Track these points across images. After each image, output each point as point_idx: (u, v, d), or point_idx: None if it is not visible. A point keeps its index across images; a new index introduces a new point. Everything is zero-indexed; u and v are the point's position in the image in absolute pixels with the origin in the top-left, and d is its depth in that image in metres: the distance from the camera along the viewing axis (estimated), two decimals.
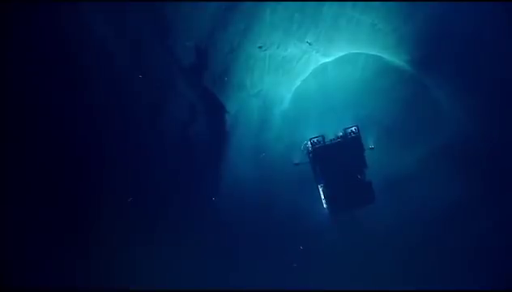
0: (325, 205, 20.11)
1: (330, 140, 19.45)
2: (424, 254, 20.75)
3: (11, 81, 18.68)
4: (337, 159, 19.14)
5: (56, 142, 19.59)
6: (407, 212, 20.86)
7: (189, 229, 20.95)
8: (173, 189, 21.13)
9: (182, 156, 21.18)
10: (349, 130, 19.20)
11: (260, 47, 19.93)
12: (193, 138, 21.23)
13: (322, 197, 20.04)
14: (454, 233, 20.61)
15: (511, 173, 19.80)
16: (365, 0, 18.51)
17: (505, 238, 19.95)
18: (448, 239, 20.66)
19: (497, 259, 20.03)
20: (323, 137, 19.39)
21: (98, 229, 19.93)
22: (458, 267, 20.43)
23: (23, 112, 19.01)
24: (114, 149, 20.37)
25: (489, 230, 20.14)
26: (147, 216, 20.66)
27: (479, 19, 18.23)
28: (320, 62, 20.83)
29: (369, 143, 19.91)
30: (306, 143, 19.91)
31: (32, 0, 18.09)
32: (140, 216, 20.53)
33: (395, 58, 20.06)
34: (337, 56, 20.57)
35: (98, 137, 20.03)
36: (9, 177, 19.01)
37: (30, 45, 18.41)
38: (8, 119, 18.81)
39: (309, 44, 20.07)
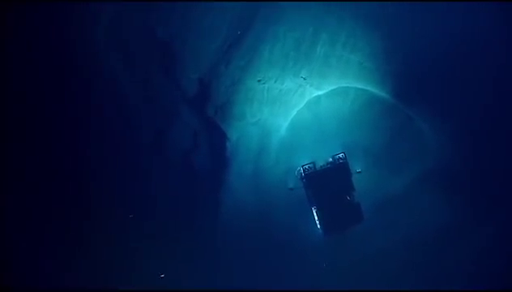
0: (318, 226, 21.12)
1: (321, 166, 20.91)
2: (413, 274, 21.34)
3: (32, 104, 20.68)
4: (327, 183, 20.51)
5: (64, 156, 21.09)
6: (396, 233, 21.62)
7: (190, 250, 21.67)
8: (175, 212, 21.95)
9: (185, 180, 22.25)
10: (337, 157, 20.78)
11: (259, 81, 21.61)
12: (195, 163, 22.37)
13: (316, 218, 21.09)
14: (442, 254, 21.33)
15: (494, 196, 20.89)
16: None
17: (493, 260, 20.70)
18: (437, 260, 21.38)
19: (485, 279, 20.53)
20: (314, 164, 20.90)
21: (100, 242, 20.83)
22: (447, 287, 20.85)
23: (39, 130, 20.88)
24: (120, 171, 21.62)
25: (477, 251, 20.91)
26: (148, 236, 21.37)
27: (457, 53, 20.00)
28: (313, 95, 22.32)
29: (357, 168, 21.17)
30: (299, 170, 21.27)
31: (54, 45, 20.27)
32: (142, 237, 21.30)
33: (381, 92, 21.64)
34: (329, 89, 22.14)
35: (106, 157, 21.46)
36: (11, 178, 20.36)
37: (53, 81, 20.57)
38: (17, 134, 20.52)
39: (304, 78, 21.77)
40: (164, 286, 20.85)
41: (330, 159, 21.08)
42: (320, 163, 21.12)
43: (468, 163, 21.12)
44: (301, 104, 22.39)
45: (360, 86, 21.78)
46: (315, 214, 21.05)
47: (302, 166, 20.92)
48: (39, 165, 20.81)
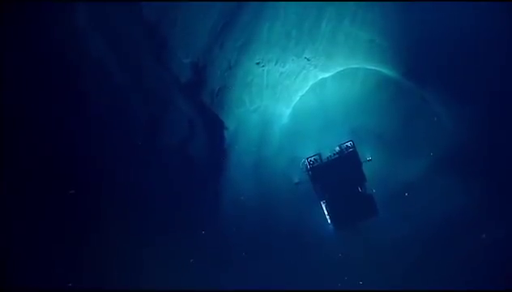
0: (329, 221, 20.05)
1: (327, 158, 19.58)
2: (430, 265, 20.76)
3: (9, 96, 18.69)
4: (336, 175, 19.24)
5: (56, 150, 19.20)
6: (411, 223, 20.82)
7: (189, 246, 20.59)
8: (172, 206, 20.70)
9: (181, 172, 21.02)
10: (344, 146, 19.44)
11: (258, 63, 20.13)
12: (192, 154, 21.15)
13: (326, 213, 19.99)
14: (458, 244, 20.59)
15: None
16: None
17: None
18: (453, 250, 20.67)
19: (503, 268, 19.81)
20: (320, 155, 19.61)
21: (98, 237, 19.40)
22: (464, 278, 20.06)
23: (20, 124, 18.67)
24: (114, 164, 20.00)
25: (495, 239, 20.16)
26: (145, 232, 20.11)
27: (475, 32, 18.57)
28: (319, 78, 21.04)
29: (367, 156, 19.96)
30: (304, 162, 20.05)
31: (31, 30, 18.35)
32: (139, 232, 20.03)
33: (394, 72, 20.36)
34: (336, 71, 20.80)
35: (98, 150, 19.79)
36: (10, 178, 18.60)
37: (31, 68, 18.39)
38: (5, 127, 18.49)
39: (308, 59, 20.29)
40: (164, 286, 19.61)
41: (338, 148, 19.76)
42: (326, 153, 19.84)
43: (486, 149, 20.11)
44: (305, 88, 21.22)
45: (370, 66, 20.44)
46: (324, 209, 19.94)
47: (307, 159, 19.64)
48: (28, 158, 18.70)
